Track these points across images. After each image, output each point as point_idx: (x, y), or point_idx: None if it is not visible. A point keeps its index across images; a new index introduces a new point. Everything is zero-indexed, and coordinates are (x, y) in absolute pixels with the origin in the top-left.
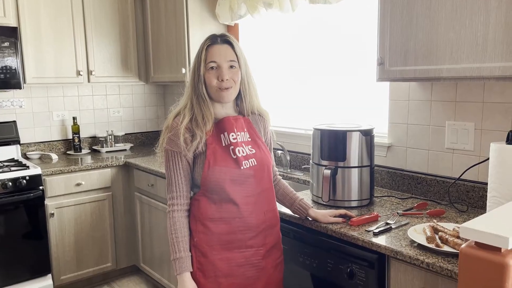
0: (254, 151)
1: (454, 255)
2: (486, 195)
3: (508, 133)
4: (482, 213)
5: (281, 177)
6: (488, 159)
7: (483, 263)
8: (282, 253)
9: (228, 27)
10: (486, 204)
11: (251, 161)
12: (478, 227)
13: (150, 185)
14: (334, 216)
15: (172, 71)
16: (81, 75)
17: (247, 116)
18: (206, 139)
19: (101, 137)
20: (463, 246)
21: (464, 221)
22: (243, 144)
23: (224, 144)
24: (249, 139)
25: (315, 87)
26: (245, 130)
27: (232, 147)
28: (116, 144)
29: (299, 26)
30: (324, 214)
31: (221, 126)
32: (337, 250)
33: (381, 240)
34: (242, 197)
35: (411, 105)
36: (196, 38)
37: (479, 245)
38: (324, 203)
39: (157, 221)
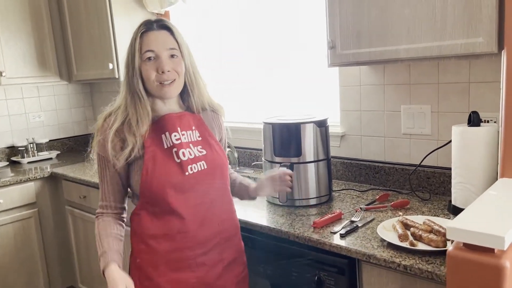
0: (204, 152)
1: (432, 254)
2: (447, 180)
3: (470, 115)
4: (445, 200)
5: (236, 173)
6: (448, 142)
7: (476, 266)
8: (246, 266)
9: (158, 16)
10: (448, 189)
11: (200, 164)
12: (468, 227)
13: (82, 197)
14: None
15: (97, 67)
16: None
17: (197, 112)
18: (144, 141)
19: (21, 147)
20: (450, 249)
21: (430, 211)
22: (190, 144)
23: (166, 146)
24: (199, 138)
25: (260, 77)
26: (194, 128)
27: (175, 149)
28: (40, 153)
29: (237, 10)
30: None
31: (162, 125)
32: (301, 257)
33: (350, 243)
34: (188, 207)
35: (363, 90)
36: (122, 29)
37: (468, 246)
38: (282, 204)
39: (94, 235)
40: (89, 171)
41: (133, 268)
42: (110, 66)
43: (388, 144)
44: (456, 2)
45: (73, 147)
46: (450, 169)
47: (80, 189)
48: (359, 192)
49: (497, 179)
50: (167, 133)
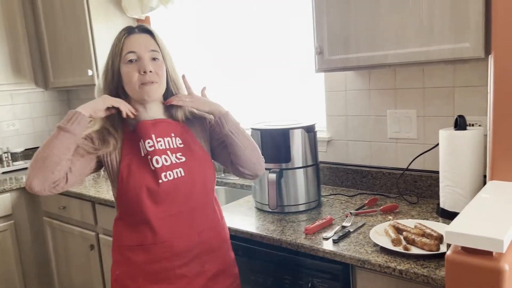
0: (183, 159)
1: (426, 257)
2: (434, 184)
3: (456, 119)
4: (433, 203)
5: None
6: (434, 146)
7: (475, 270)
8: (237, 278)
9: (138, 21)
10: (435, 193)
11: (176, 172)
12: (466, 231)
13: (62, 207)
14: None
15: (75, 74)
16: None
17: (181, 120)
18: (122, 150)
19: None
20: (448, 253)
21: (419, 214)
22: (168, 151)
23: (143, 154)
24: (181, 146)
25: (243, 82)
26: (173, 135)
27: (149, 156)
28: (15, 163)
29: (221, 15)
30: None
31: (137, 132)
32: (294, 263)
33: (343, 249)
34: (163, 216)
35: (349, 95)
36: (101, 35)
37: (467, 250)
38: (272, 210)
39: (74, 247)
40: None
41: (113, 280)
42: (90, 72)
43: (374, 149)
44: (443, 8)
45: None
46: (436, 172)
47: (60, 199)
48: (347, 197)
49: (483, 182)
50: (141, 140)
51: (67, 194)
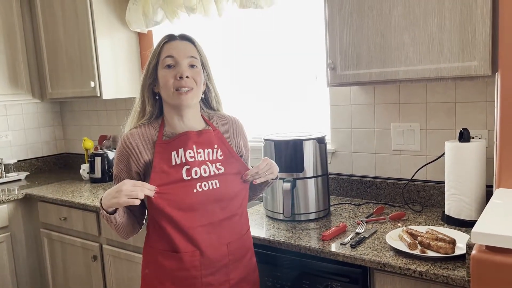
0: (222, 170)
1: (442, 260)
2: (436, 193)
3: (461, 131)
4: (436, 211)
5: None
6: (439, 157)
7: (499, 267)
8: (256, 282)
9: (140, 35)
10: (437, 202)
11: (211, 183)
12: (492, 231)
13: (63, 218)
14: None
15: (76, 85)
16: None
17: (217, 126)
18: (153, 157)
19: None
20: (474, 252)
21: (426, 221)
22: (208, 162)
23: (174, 163)
24: (221, 157)
25: (249, 96)
26: (216, 146)
27: (187, 166)
28: (8, 174)
29: (225, 31)
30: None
31: (177, 141)
32: (312, 268)
33: (362, 253)
34: (194, 227)
35: (354, 109)
36: (104, 48)
37: (491, 249)
38: (286, 218)
39: (74, 259)
40: (68, 192)
41: (143, 276)
42: (92, 84)
43: (378, 160)
44: (452, 29)
45: (42, 167)
46: (438, 182)
47: (61, 210)
48: (354, 206)
49: (486, 190)
50: (180, 150)
51: (68, 205)
